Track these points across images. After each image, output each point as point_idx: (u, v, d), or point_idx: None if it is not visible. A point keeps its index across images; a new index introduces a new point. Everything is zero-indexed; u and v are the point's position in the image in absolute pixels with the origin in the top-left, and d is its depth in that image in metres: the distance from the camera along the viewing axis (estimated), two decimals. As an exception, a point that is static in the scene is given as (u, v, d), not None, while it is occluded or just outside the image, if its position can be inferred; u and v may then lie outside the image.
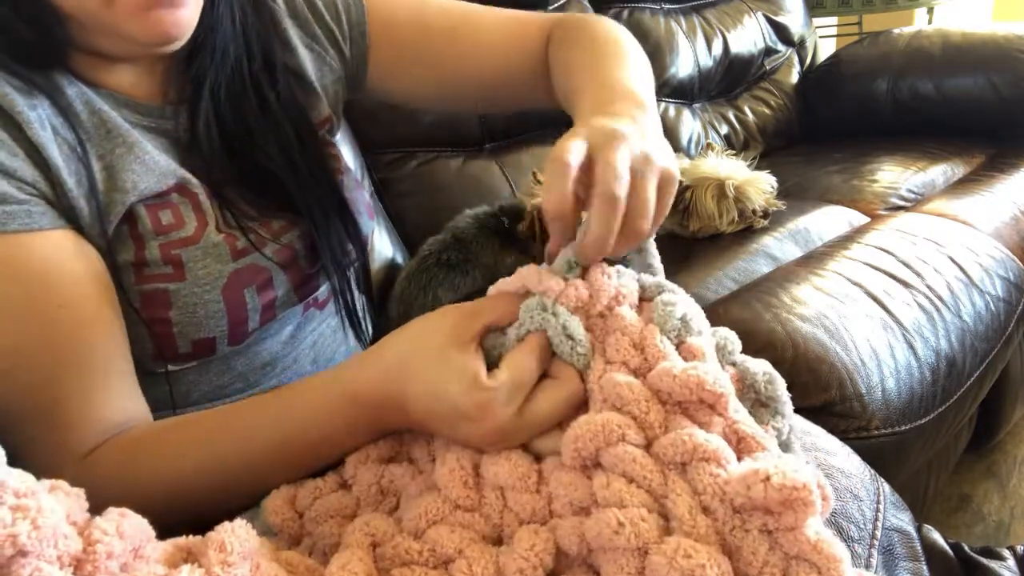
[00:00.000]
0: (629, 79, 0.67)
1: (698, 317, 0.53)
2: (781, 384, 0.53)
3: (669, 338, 0.50)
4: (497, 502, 0.48)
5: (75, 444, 0.58)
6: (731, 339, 0.54)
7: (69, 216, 0.59)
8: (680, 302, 0.52)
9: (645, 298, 0.54)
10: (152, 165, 0.63)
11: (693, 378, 0.46)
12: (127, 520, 0.43)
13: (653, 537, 0.42)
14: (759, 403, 0.52)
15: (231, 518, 0.56)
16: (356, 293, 0.79)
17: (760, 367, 0.53)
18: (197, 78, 0.68)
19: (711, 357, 0.51)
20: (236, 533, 0.44)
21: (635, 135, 0.54)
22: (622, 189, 0.50)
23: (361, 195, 0.79)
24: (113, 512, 0.43)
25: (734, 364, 0.53)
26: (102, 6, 0.56)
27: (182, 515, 0.52)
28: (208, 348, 0.66)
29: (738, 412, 0.48)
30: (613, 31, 0.77)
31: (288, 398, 0.58)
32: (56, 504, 0.40)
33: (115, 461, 0.59)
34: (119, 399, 0.61)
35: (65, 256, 0.58)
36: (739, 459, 0.46)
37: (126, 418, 0.61)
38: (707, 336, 0.53)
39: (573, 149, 0.51)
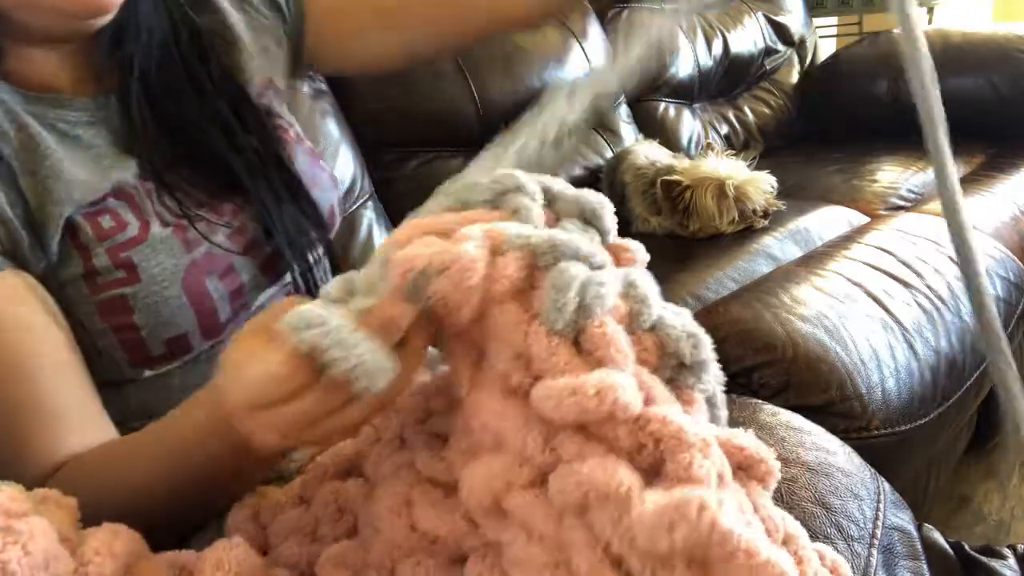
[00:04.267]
0: None
1: (608, 289, 0.43)
2: (706, 345, 0.46)
3: (563, 329, 0.42)
4: (447, 539, 0.45)
5: (37, 479, 0.57)
6: (646, 297, 0.45)
7: (7, 248, 0.58)
8: (573, 283, 0.42)
9: (540, 266, 0.44)
10: (85, 175, 0.62)
11: (572, 406, 0.39)
12: (119, 539, 0.42)
13: None
14: (682, 365, 0.45)
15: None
16: (327, 272, 0.75)
17: (682, 329, 0.45)
18: (124, 62, 0.66)
19: (618, 346, 0.42)
20: (233, 551, 0.44)
21: None
22: None
23: (318, 167, 0.76)
24: (105, 530, 0.43)
25: (653, 329, 0.45)
26: None
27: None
28: (183, 346, 0.64)
29: (655, 402, 0.41)
30: None
31: (164, 437, 0.56)
32: (47, 525, 0.39)
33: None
34: (80, 433, 0.60)
35: (7, 301, 0.57)
36: (661, 466, 0.39)
37: (92, 431, 0.60)
38: (616, 305, 0.44)
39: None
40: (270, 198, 0.69)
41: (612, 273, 0.45)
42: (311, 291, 0.71)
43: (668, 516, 0.34)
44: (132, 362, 0.63)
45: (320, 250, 0.74)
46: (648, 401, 0.41)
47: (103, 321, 0.61)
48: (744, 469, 0.43)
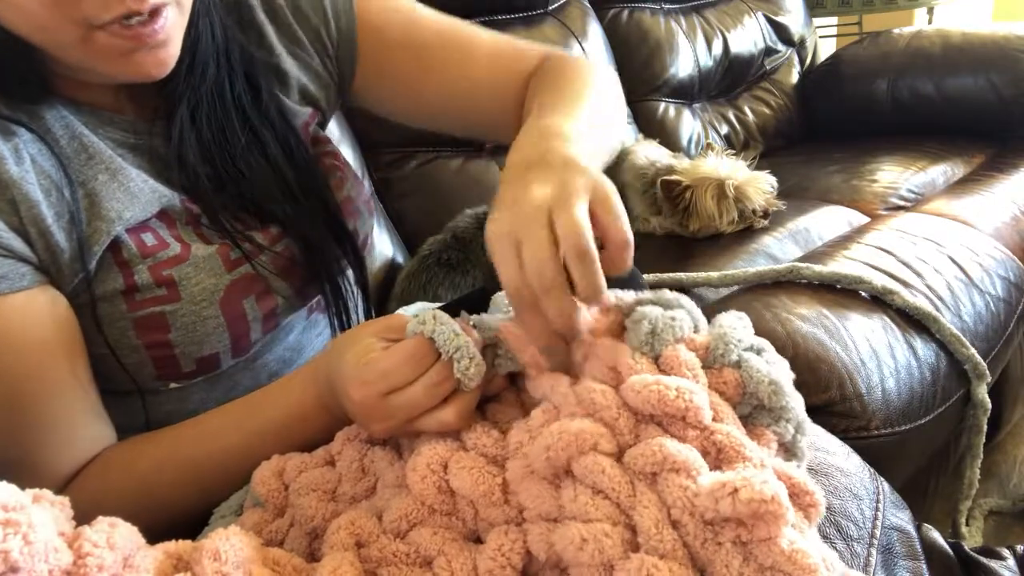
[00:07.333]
0: (568, 123, 0.61)
1: (680, 323, 0.51)
2: (788, 395, 0.50)
3: (643, 351, 0.50)
4: (469, 509, 0.48)
5: (46, 484, 0.59)
6: (733, 338, 0.51)
7: (43, 259, 0.57)
8: (648, 316, 0.51)
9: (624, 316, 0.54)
10: (137, 192, 0.62)
11: (654, 393, 0.46)
12: (117, 530, 0.43)
13: (618, 553, 0.41)
14: (762, 406, 0.50)
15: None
16: (353, 293, 0.77)
17: (765, 374, 0.50)
18: (174, 93, 0.65)
19: (689, 365, 0.49)
20: (230, 541, 0.44)
21: (540, 191, 0.51)
22: (548, 276, 0.49)
23: (360, 192, 0.77)
24: (103, 522, 0.43)
25: (738, 365, 0.50)
26: (77, 45, 0.54)
27: (166, 522, 0.53)
28: (212, 364, 0.65)
29: (722, 422, 0.47)
30: (586, 75, 0.73)
31: (252, 395, 0.61)
32: (46, 517, 0.40)
33: (89, 489, 0.60)
34: (90, 442, 0.62)
35: (30, 320, 0.57)
36: (720, 470, 0.45)
37: (97, 448, 0.62)
38: (692, 338, 0.51)
39: (512, 284, 0.50)
40: (312, 230, 0.70)
41: (689, 313, 0.53)
42: (341, 315, 0.74)
43: (734, 483, 0.40)
44: (159, 376, 0.64)
45: (352, 276, 0.76)
46: (716, 420, 0.47)
47: (138, 338, 0.61)
48: (790, 497, 0.45)
